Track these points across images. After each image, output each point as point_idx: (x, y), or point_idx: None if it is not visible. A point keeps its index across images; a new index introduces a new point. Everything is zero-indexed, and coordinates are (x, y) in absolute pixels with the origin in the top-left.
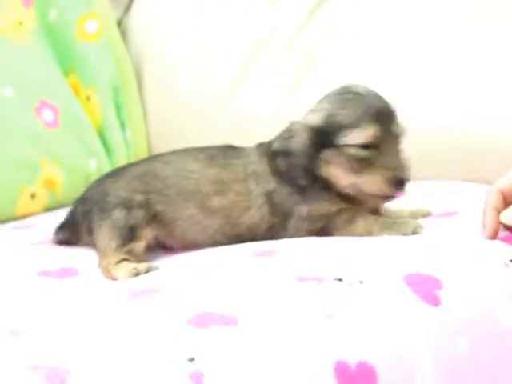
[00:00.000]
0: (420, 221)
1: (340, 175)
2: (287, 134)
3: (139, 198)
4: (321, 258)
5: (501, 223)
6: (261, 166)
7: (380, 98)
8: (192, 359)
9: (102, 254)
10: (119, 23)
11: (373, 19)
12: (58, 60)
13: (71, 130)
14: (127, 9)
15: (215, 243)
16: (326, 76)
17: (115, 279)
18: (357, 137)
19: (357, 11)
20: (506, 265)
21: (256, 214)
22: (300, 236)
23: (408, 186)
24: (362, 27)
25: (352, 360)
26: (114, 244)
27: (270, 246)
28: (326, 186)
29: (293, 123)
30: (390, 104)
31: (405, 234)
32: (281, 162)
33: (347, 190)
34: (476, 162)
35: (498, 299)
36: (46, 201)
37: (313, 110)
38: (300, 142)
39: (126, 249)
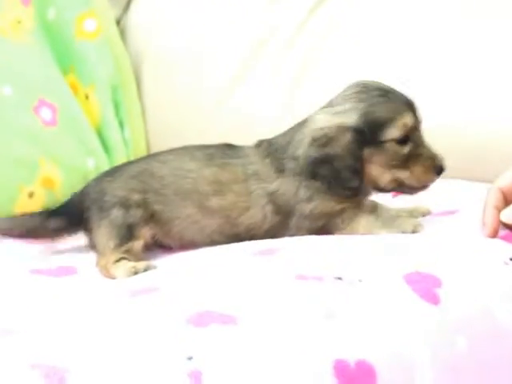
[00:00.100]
0: (420, 219)
1: (382, 172)
2: (323, 140)
3: (136, 197)
4: (320, 256)
5: (501, 222)
6: (262, 166)
7: (398, 91)
8: (191, 358)
9: (101, 253)
10: (118, 22)
11: (373, 17)
12: (57, 59)
13: (70, 129)
14: (126, 7)
15: (213, 243)
16: (326, 75)
17: (114, 278)
18: (396, 131)
19: (357, 9)
20: (506, 263)
21: (257, 214)
22: (301, 234)
23: None
24: (362, 25)
25: (351, 358)
26: (112, 243)
27: (269, 244)
28: (366, 185)
29: (323, 128)
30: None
31: (404, 233)
32: (324, 171)
33: (389, 186)
34: (476, 160)
35: (497, 298)
36: (44, 200)
37: (340, 112)
38: (343, 144)
39: (124, 248)
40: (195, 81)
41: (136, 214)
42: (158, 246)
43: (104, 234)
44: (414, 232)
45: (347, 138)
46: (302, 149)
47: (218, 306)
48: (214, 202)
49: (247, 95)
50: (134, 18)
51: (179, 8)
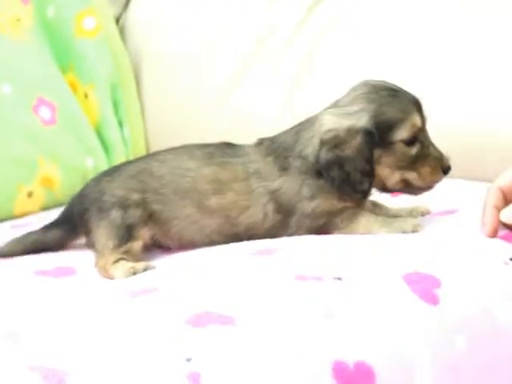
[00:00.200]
0: (419, 219)
1: (391, 173)
2: (334, 143)
3: (135, 196)
4: (320, 256)
5: (500, 222)
6: (264, 164)
7: (405, 90)
8: (189, 359)
9: (100, 254)
10: (117, 20)
11: (372, 15)
12: (56, 57)
13: (69, 128)
14: (125, 5)
15: (212, 243)
16: (325, 73)
17: (112, 278)
18: (405, 132)
19: (356, 7)
20: (506, 263)
21: (257, 212)
22: (300, 233)
23: None
24: (361, 23)
25: (350, 359)
26: (111, 244)
27: (268, 244)
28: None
29: (333, 130)
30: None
31: (404, 232)
32: (335, 172)
33: (397, 187)
34: (476, 160)
35: (497, 298)
36: (43, 199)
37: (350, 113)
38: (354, 147)
39: (123, 248)
40: (195, 80)
41: (135, 214)
42: (156, 247)
43: (103, 234)
44: (413, 232)
45: (358, 140)
46: (311, 148)
47: (217, 307)
48: (214, 201)
49: (247, 94)
50: (133, 16)
51: (179, 6)
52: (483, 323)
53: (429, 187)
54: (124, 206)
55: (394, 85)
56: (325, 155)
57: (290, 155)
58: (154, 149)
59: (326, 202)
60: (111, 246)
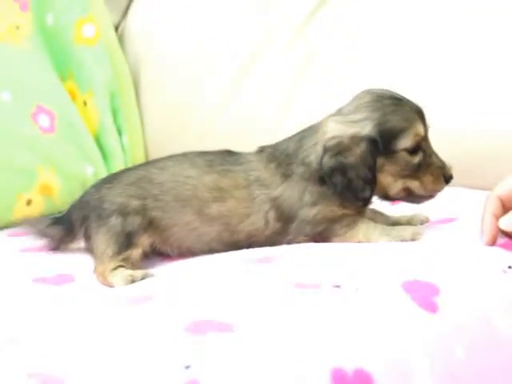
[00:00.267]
0: (419, 227)
1: (393, 181)
2: (337, 150)
3: (135, 203)
4: (319, 264)
5: (500, 229)
6: (265, 171)
7: (408, 99)
8: (188, 367)
9: (99, 261)
10: (116, 28)
11: (372, 20)
12: (56, 65)
13: (68, 136)
14: (124, 13)
15: (212, 250)
16: (324, 78)
17: (111, 286)
18: (408, 140)
19: (355, 13)
20: (505, 271)
21: (258, 220)
22: (299, 240)
23: None
24: (360, 29)
25: (349, 367)
26: (110, 251)
27: (267, 252)
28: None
29: (337, 137)
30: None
31: (403, 240)
32: (337, 179)
33: (399, 195)
34: (475, 168)
35: (495, 306)
36: (42, 207)
37: (354, 121)
38: (358, 154)
39: (122, 256)
40: (193, 87)
41: (134, 221)
42: (156, 254)
43: (102, 241)
44: (412, 240)
45: (362, 148)
46: (314, 155)
47: (216, 314)
48: (214, 208)
49: (245, 101)
50: (132, 24)
51: (177, 14)
52: (482, 331)
53: (430, 196)
54: (124, 213)
55: (397, 93)
56: (328, 162)
57: (293, 162)
58: (152, 156)
59: (326, 209)
60: (110, 253)
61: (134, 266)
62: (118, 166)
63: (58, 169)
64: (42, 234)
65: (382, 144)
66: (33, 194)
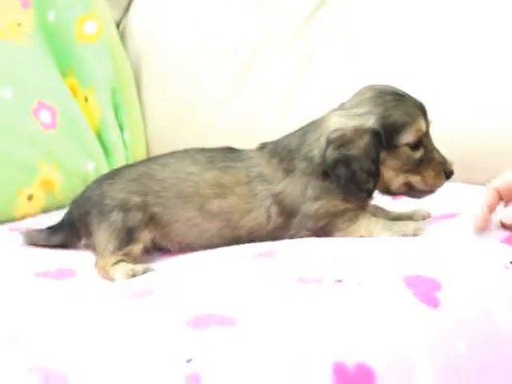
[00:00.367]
0: (420, 222)
1: (395, 176)
2: (340, 142)
3: (136, 199)
4: (320, 259)
5: (501, 223)
6: (267, 167)
7: (411, 95)
8: (190, 360)
9: (100, 256)
10: (118, 25)
11: (372, 19)
12: (57, 61)
13: (69, 132)
14: (126, 10)
15: (212, 246)
16: (324, 77)
17: (112, 280)
18: (411, 136)
19: (355, 12)
20: (506, 267)
21: (260, 215)
22: (301, 235)
23: None
24: (360, 28)
25: (350, 361)
26: (111, 246)
27: (269, 247)
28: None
29: (340, 130)
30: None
31: (405, 236)
32: (341, 171)
33: (400, 190)
34: (476, 164)
35: (497, 301)
36: (43, 202)
37: (357, 115)
38: (361, 146)
39: (123, 251)
40: (195, 83)
41: (135, 216)
42: (156, 249)
43: (104, 236)
44: (414, 235)
45: (365, 140)
46: (318, 149)
47: (218, 309)
48: (215, 205)
49: (246, 98)
50: (133, 20)
51: (179, 11)
52: (483, 326)
53: (431, 191)
54: (125, 208)
55: (399, 89)
56: (331, 154)
57: (296, 157)
58: (154, 152)
59: (329, 204)
60: (111, 249)
61: (135, 260)
62: (119, 161)
63: (59, 164)
64: (47, 243)
65: (384, 138)
66: (34, 190)
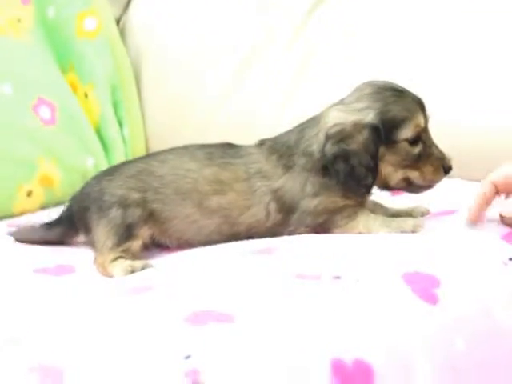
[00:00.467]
0: (419, 219)
1: (394, 171)
2: (339, 136)
3: (135, 196)
4: (319, 255)
5: (500, 216)
6: (266, 163)
7: (408, 90)
8: (188, 357)
9: (99, 252)
10: (118, 21)
11: (371, 18)
12: (57, 57)
13: (69, 128)
14: (126, 7)
15: (211, 242)
16: (323, 75)
17: (111, 276)
18: (409, 131)
19: (354, 11)
20: (505, 263)
21: (259, 212)
22: (300, 231)
23: None
24: (359, 26)
25: (349, 357)
26: (110, 242)
27: (267, 243)
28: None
29: (339, 125)
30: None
31: (404, 232)
32: (340, 166)
33: (398, 185)
34: (475, 161)
35: (496, 298)
36: (42, 198)
37: (356, 110)
38: (360, 141)
39: (122, 247)
40: (194, 80)
41: (135, 213)
42: (155, 246)
43: (103, 233)
44: (413, 232)
45: (364, 135)
46: (317, 144)
47: (216, 305)
48: (214, 201)
49: (246, 95)
50: (133, 17)
51: (179, 7)
52: (482, 323)
53: (429, 186)
54: (124, 205)
55: (398, 85)
56: (330, 149)
57: (295, 153)
58: (153, 149)
59: (328, 200)
60: (110, 245)
61: (134, 257)
62: (118, 158)
63: (58, 160)
64: (43, 239)
65: (383, 133)
66: (33, 186)
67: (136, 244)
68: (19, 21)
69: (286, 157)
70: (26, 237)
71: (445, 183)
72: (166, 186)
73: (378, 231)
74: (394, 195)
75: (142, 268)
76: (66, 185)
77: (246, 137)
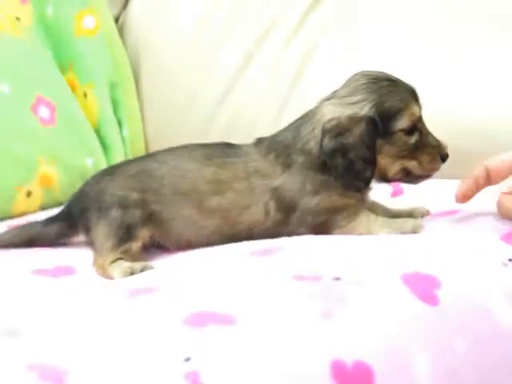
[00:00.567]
0: (419, 220)
1: (391, 162)
2: (336, 131)
3: (135, 196)
4: (319, 256)
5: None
6: (265, 162)
7: (401, 80)
8: (188, 359)
9: (98, 253)
10: (116, 19)
11: (373, 12)
12: (56, 56)
13: (68, 128)
14: (124, 5)
15: (211, 243)
16: (325, 71)
17: (110, 278)
18: (405, 121)
19: (355, 6)
20: (505, 264)
21: (258, 211)
22: (301, 231)
23: (407, 186)
24: (360, 21)
25: (349, 359)
26: (110, 243)
27: (267, 244)
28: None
29: (335, 119)
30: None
31: (404, 233)
32: (338, 160)
33: (397, 176)
34: (477, 162)
35: (496, 299)
36: (42, 199)
37: (351, 103)
38: (357, 135)
39: (122, 248)
40: (194, 79)
41: (134, 214)
42: (155, 247)
43: (102, 234)
44: (413, 233)
45: (361, 128)
46: (314, 141)
47: (216, 307)
48: (213, 201)
49: (245, 94)
50: (132, 15)
51: (177, 5)
52: (482, 324)
53: (427, 175)
54: (123, 205)
55: (391, 75)
56: (328, 143)
57: (293, 152)
58: (153, 148)
59: (328, 198)
60: (110, 246)
61: (134, 258)
62: (118, 157)
63: (57, 160)
64: (41, 235)
65: (380, 125)
66: (33, 186)
67: (136, 245)
68: (18, 19)
69: (284, 156)
70: (11, 241)
71: (445, 184)
72: (165, 186)
73: (379, 232)
74: (394, 196)
75: (142, 270)
76: (65, 185)
77: (247, 135)
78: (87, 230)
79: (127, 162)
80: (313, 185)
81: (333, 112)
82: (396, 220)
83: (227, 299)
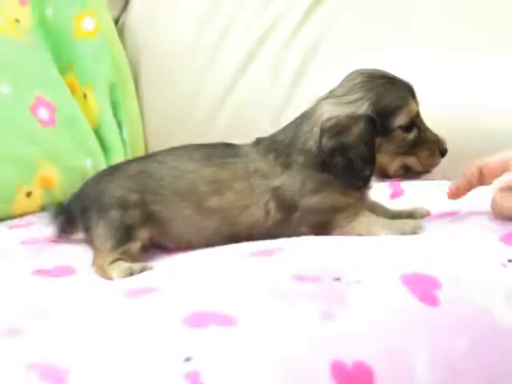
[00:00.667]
0: (419, 221)
1: (391, 160)
2: (335, 130)
3: (134, 197)
4: (319, 257)
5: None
6: (264, 162)
7: (398, 77)
8: (189, 359)
9: (98, 254)
10: (116, 21)
11: (373, 12)
12: (56, 58)
13: (68, 129)
14: (124, 7)
15: (211, 243)
16: (325, 71)
17: (109, 278)
18: (403, 118)
19: (356, 6)
20: (504, 265)
21: (259, 211)
22: (301, 230)
23: (407, 187)
24: (361, 21)
25: (349, 359)
26: (109, 244)
27: (267, 245)
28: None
29: (334, 118)
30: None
31: (404, 234)
32: (337, 159)
33: (397, 173)
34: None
35: (496, 300)
36: (42, 199)
37: (349, 102)
38: (356, 133)
39: (121, 249)
40: (193, 80)
41: (134, 214)
42: (155, 247)
43: (102, 234)
44: (413, 233)
45: (360, 127)
46: (313, 140)
47: (216, 307)
48: (213, 202)
49: (246, 95)
50: (132, 17)
51: (177, 7)
52: (482, 325)
53: (427, 171)
54: (123, 206)
55: (386, 72)
56: (327, 142)
57: (292, 151)
58: (152, 149)
59: (328, 197)
60: (109, 247)
61: (134, 259)
62: (117, 158)
63: (57, 161)
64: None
65: (380, 122)
66: (33, 187)
67: (135, 246)
68: (17, 21)
69: (284, 156)
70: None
71: (445, 185)
72: (165, 187)
73: (379, 233)
74: (394, 197)
75: (141, 270)
76: (65, 186)
77: (247, 136)
78: (87, 230)
79: (127, 163)
80: (313, 184)
81: (331, 111)
82: (396, 221)
83: (227, 299)
